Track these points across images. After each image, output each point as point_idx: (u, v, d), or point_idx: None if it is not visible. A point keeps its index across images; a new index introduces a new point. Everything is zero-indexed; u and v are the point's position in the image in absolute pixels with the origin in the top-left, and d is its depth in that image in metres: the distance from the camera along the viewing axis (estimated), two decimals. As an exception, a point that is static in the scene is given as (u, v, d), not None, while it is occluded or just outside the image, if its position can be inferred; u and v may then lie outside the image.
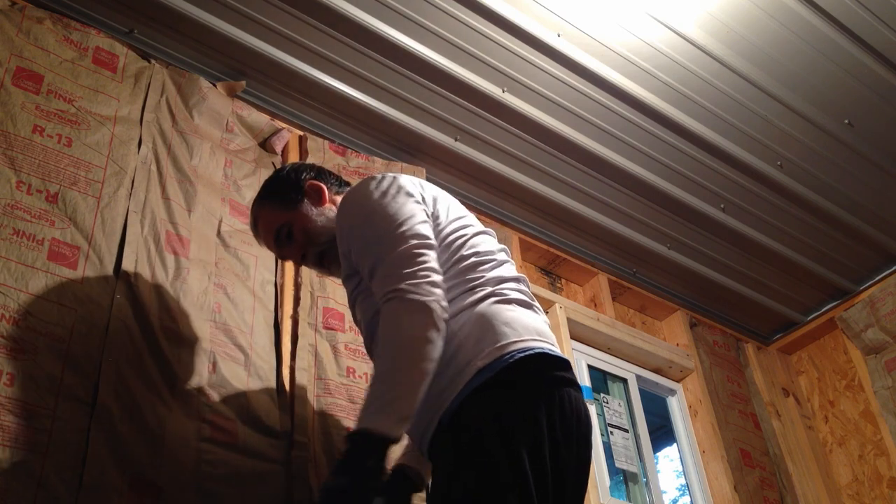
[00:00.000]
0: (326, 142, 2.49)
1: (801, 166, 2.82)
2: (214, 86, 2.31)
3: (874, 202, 2.98)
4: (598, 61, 2.46)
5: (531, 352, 1.37)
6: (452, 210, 1.61)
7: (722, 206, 2.95)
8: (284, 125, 2.42)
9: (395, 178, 1.58)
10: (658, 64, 2.48)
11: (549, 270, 3.06)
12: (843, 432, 3.29)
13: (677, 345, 3.19)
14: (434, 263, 1.42)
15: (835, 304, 3.42)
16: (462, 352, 1.38)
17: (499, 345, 1.37)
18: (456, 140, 2.62)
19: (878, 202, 2.98)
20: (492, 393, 1.33)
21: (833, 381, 3.41)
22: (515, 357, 1.35)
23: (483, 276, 1.49)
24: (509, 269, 1.56)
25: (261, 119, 2.35)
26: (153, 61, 2.21)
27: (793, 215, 3.00)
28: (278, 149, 2.37)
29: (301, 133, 2.47)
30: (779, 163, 2.81)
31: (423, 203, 1.55)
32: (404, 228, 1.45)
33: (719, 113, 2.63)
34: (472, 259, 1.51)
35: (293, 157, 2.38)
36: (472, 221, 1.62)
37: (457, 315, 1.43)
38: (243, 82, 2.35)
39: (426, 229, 1.48)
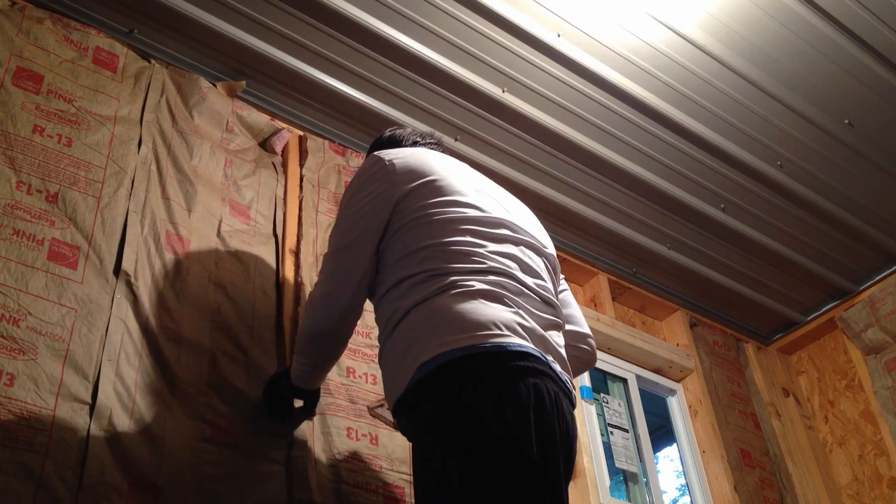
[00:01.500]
0: (326, 142, 2.49)
1: (801, 166, 2.82)
2: (214, 86, 2.31)
3: (874, 202, 2.98)
4: (598, 61, 2.46)
5: (473, 348, 1.39)
6: (447, 190, 1.61)
7: (722, 206, 2.95)
8: (284, 125, 2.42)
9: (375, 165, 1.65)
10: (658, 64, 2.48)
11: (549, 270, 3.06)
12: (843, 432, 3.29)
13: (677, 345, 3.19)
14: (338, 272, 1.62)
15: (835, 304, 3.42)
16: (414, 345, 1.44)
17: (442, 341, 1.40)
18: (456, 140, 2.62)
19: (878, 202, 2.98)
20: (435, 385, 1.39)
21: (833, 381, 3.41)
22: (454, 354, 1.38)
23: (447, 267, 1.50)
24: (496, 261, 1.54)
25: (261, 119, 2.35)
26: (153, 61, 2.21)
27: (793, 215, 3.00)
28: (278, 149, 2.37)
29: (301, 133, 2.47)
30: (779, 163, 2.81)
31: (388, 192, 1.60)
32: (339, 230, 1.65)
33: (719, 113, 2.63)
34: (444, 248, 1.52)
35: (293, 157, 2.38)
36: (469, 210, 1.60)
37: (416, 306, 1.47)
38: (243, 82, 2.35)
39: (361, 233, 1.60)
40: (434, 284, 1.48)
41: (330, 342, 1.68)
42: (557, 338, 1.56)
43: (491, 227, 1.60)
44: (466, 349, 1.38)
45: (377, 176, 1.63)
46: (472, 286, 1.47)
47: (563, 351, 1.56)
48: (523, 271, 1.58)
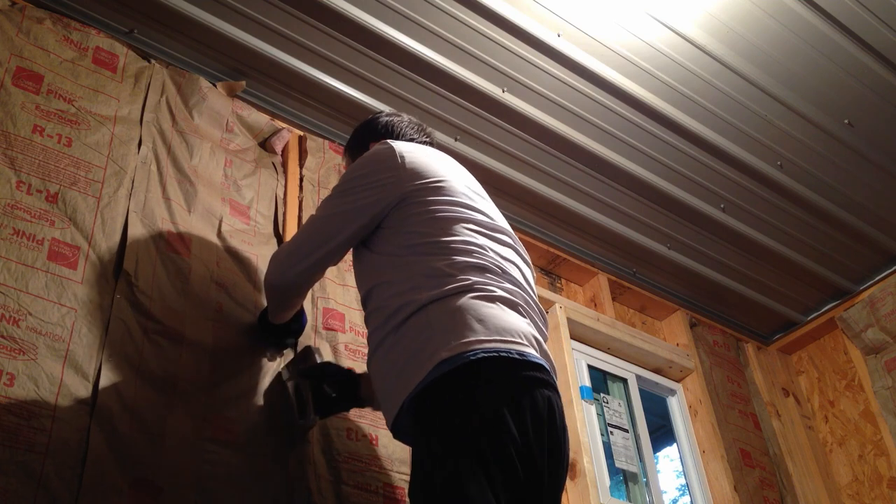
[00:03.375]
0: (326, 142, 2.49)
1: (801, 166, 2.82)
2: (214, 86, 2.31)
3: (874, 202, 2.98)
4: (598, 61, 2.46)
5: (497, 352, 1.38)
6: (454, 192, 1.62)
7: (722, 206, 2.95)
8: (284, 125, 2.42)
9: (387, 152, 1.65)
10: (658, 64, 2.48)
11: (549, 270, 3.06)
12: (843, 432, 3.29)
13: (677, 345, 3.19)
14: (315, 236, 1.68)
15: (835, 304, 3.42)
16: (432, 341, 1.41)
17: (465, 340, 1.38)
18: (456, 140, 2.62)
19: (878, 202, 2.98)
20: (452, 386, 1.37)
21: (833, 381, 3.41)
22: (478, 355, 1.37)
23: (463, 267, 1.49)
24: (507, 268, 1.55)
25: (261, 119, 2.35)
26: (153, 61, 2.21)
27: (793, 215, 3.00)
28: (278, 149, 2.37)
29: (301, 133, 2.47)
30: (779, 163, 2.81)
31: (395, 186, 1.60)
32: (336, 200, 1.66)
33: (719, 113, 2.63)
34: (457, 246, 1.52)
35: (293, 157, 2.38)
36: (476, 213, 1.61)
37: (434, 302, 1.45)
38: (243, 82, 2.35)
39: (353, 211, 1.62)
40: (451, 282, 1.46)
41: (283, 296, 1.79)
42: (549, 351, 1.58)
43: (496, 232, 1.62)
44: (490, 352, 1.38)
45: (388, 166, 1.63)
46: (493, 291, 1.48)
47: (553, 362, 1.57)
48: (524, 283, 1.59)
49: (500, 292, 1.48)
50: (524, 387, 1.39)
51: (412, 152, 1.66)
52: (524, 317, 1.50)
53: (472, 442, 1.33)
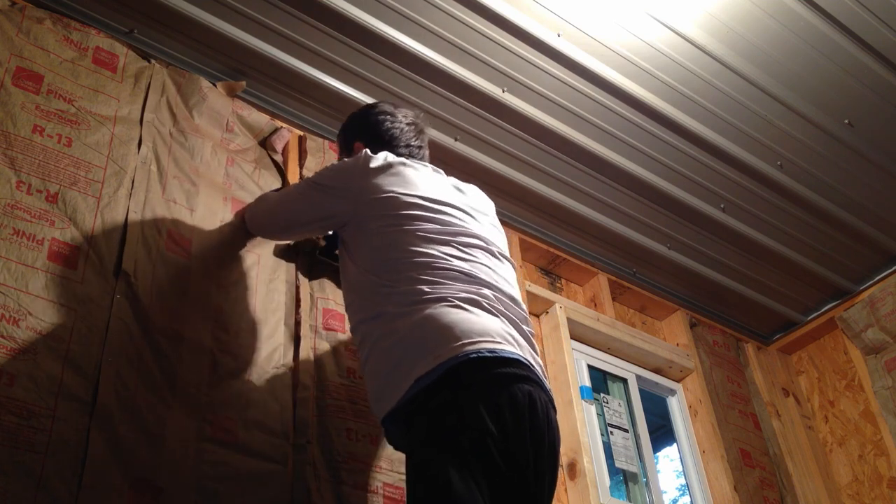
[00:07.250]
0: (326, 142, 2.49)
1: (801, 166, 2.82)
2: (214, 86, 2.31)
3: (874, 202, 2.97)
4: (598, 61, 2.46)
5: (467, 354, 1.40)
6: (398, 204, 1.64)
7: (722, 206, 2.95)
8: (284, 125, 2.42)
9: (361, 159, 1.73)
10: (658, 64, 2.48)
11: (549, 270, 3.05)
12: (843, 432, 3.29)
13: (677, 345, 3.19)
14: (295, 207, 1.88)
15: (835, 304, 3.41)
16: (405, 358, 1.45)
17: (437, 353, 1.41)
18: (456, 140, 2.62)
19: (878, 202, 2.98)
20: (432, 396, 1.41)
21: (833, 381, 3.41)
22: (451, 363, 1.40)
23: (429, 277, 1.53)
24: (476, 271, 1.57)
25: (261, 119, 2.35)
26: (153, 61, 2.21)
27: (793, 215, 3.00)
28: (279, 148, 2.37)
29: (301, 133, 2.47)
30: (779, 163, 2.81)
31: (337, 202, 1.72)
32: (316, 186, 1.81)
33: (719, 113, 2.63)
34: (419, 258, 1.55)
35: (293, 157, 2.38)
36: (421, 222, 1.63)
37: (403, 316, 1.49)
38: (243, 82, 2.35)
39: (300, 217, 1.86)
40: (419, 295, 1.50)
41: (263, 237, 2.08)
42: (534, 348, 1.58)
43: (458, 236, 1.63)
44: (461, 357, 1.40)
45: (347, 184, 1.71)
46: (458, 296, 1.50)
47: (540, 360, 1.57)
48: (500, 282, 1.60)
49: (466, 295, 1.51)
50: (500, 383, 1.41)
51: (377, 171, 1.70)
52: (495, 315, 1.52)
53: (453, 443, 1.35)
